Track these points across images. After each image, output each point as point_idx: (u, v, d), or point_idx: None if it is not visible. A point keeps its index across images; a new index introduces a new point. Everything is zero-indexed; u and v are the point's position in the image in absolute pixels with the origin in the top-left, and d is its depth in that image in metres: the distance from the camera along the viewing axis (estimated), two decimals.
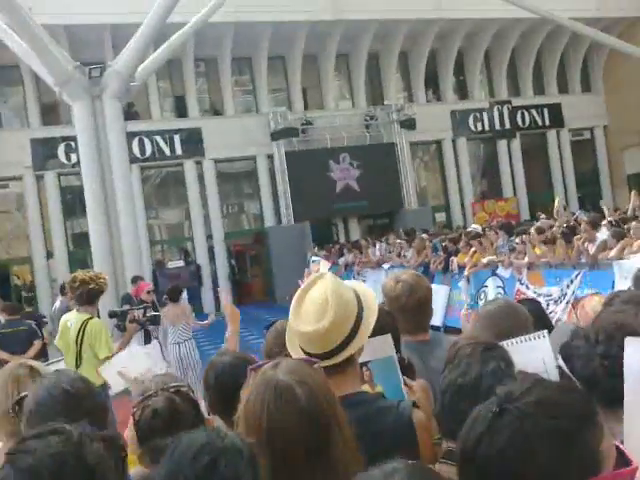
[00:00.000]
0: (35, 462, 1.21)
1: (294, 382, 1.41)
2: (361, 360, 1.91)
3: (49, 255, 18.02)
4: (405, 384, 1.97)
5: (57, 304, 8.99)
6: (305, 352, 1.79)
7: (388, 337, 1.98)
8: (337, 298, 1.74)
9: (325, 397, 1.44)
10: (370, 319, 1.81)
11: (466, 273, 10.12)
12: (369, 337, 1.84)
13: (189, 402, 1.85)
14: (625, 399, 1.31)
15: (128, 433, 1.88)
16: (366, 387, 1.93)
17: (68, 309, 5.78)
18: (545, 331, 1.82)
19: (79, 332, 4.80)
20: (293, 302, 1.82)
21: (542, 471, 1.02)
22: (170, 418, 1.76)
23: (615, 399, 1.34)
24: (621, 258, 7.14)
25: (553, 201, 13.82)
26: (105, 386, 3.91)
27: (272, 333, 2.27)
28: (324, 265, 3.26)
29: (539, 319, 2.24)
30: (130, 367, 3.05)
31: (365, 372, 1.97)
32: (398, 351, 2.10)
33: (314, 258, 3.20)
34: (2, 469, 1.24)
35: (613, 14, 22.20)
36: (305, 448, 1.37)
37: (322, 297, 1.75)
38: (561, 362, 1.55)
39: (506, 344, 1.81)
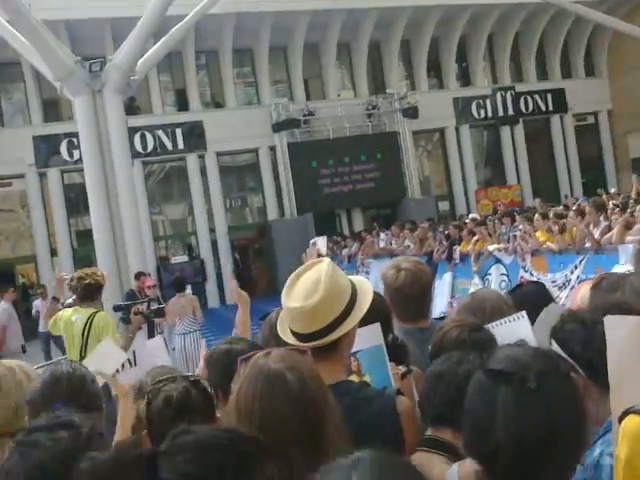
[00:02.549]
0: (45, 457, 1.21)
1: (285, 369, 1.43)
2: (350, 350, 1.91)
3: (53, 253, 18.07)
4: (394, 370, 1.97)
5: (69, 301, 9.04)
6: (293, 333, 1.79)
7: (377, 326, 1.98)
8: (330, 279, 1.76)
9: (316, 383, 1.45)
10: (363, 305, 1.81)
11: (475, 269, 10.04)
12: (362, 325, 1.85)
13: (204, 395, 1.81)
14: (609, 376, 1.32)
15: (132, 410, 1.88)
16: (353, 377, 1.93)
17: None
18: (523, 312, 1.84)
19: (85, 325, 4.89)
20: (288, 281, 1.84)
21: None
22: (182, 408, 1.73)
23: None
24: (623, 242, 7.11)
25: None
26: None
27: (267, 323, 2.28)
28: (322, 243, 3.23)
29: (537, 301, 2.24)
30: (104, 364, 3.04)
31: (353, 362, 1.97)
32: (390, 332, 2.10)
33: (312, 241, 3.18)
34: (10, 457, 1.24)
35: None
36: (297, 434, 1.37)
37: (315, 277, 1.77)
38: (556, 347, 1.54)
39: (489, 326, 1.83)
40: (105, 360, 3.05)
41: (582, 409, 1.25)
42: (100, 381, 2.20)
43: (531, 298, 2.34)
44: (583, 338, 1.49)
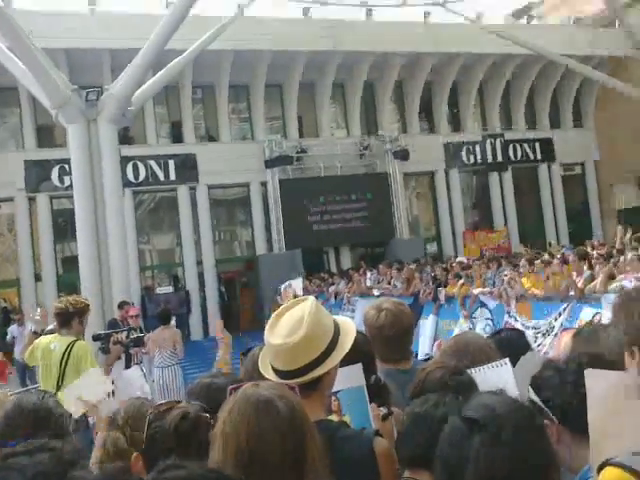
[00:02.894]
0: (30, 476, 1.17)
1: (275, 396, 1.46)
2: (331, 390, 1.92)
3: (37, 278, 17.89)
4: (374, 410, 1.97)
5: (51, 327, 8.96)
6: (275, 370, 1.80)
7: (359, 367, 1.98)
8: (313, 317, 1.78)
9: (303, 413, 1.48)
10: (345, 345, 1.83)
11: (465, 314, 10.06)
12: (340, 366, 1.85)
13: (206, 428, 1.79)
14: (589, 429, 1.33)
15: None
16: (333, 417, 1.93)
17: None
18: (507, 359, 1.85)
19: (64, 354, 4.81)
20: (271, 318, 1.86)
21: None
22: (196, 425, 1.72)
23: (587, 427, 1.36)
24: (607, 291, 7.19)
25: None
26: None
27: (251, 359, 2.27)
28: (297, 285, 3.24)
29: (515, 347, 2.26)
30: (90, 392, 3.01)
31: (334, 402, 1.97)
32: (373, 372, 2.11)
33: (285, 284, 3.16)
34: None
35: (605, 52, 22.70)
36: (283, 461, 1.39)
37: (299, 315, 1.79)
38: (532, 394, 1.56)
39: (471, 371, 1.84)
40: (90, 389, 3.02)
41: (553, 465, 1.26)
42: (79, 411, 2.17)
43: (511, 344, 2.36)
44: (556, 385, 1.52)
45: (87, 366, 4.77)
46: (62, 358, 4.81)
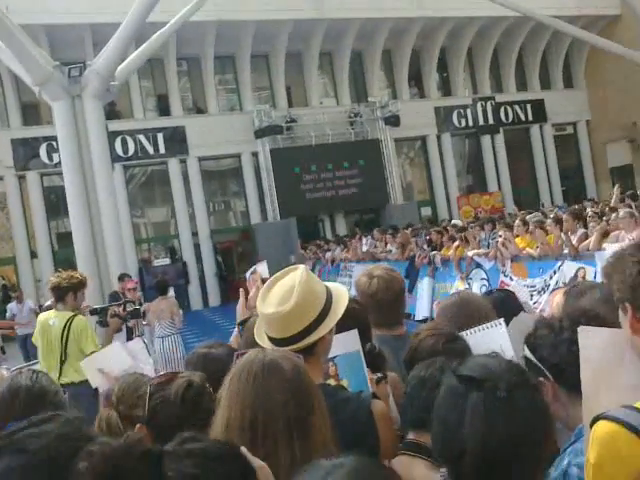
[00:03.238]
0: (47, 442, 1.16)
1: (280, 358, 1.49)
2: (328, 355, 1.93)
3: (33, 255, 17.92)
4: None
5: (48, 303, 9.00)
6: (270, 338, 1.82)
7: (355, 332, 2.00)
8: (304, 285, 1.80)
9: (308, 375, 1.52)
10: (338, 310, 1.85)
11: (461, 276, 10.11)
12: (336, 333, 1.87)
13: (209, 397, 1.78)
14: (582, 385, 1.35)
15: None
16: (331, 381, 1.95)
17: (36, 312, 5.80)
18: (501, 319, 1.86)
19: (64, 329, 4.86)
20: (263, 288, 1.88)
21: None
22: (194, 405, 1.72)
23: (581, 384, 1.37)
24: (600, 248, 7.23)
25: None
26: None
27: (249, 329, 2.28)
28: (263, 269, 3.22)
29: (506, 308, 2.28)
30: (112, 365, 3.03)
31: (331, 367, 1.99)
32: (369, 341, 2.12)
33: (250, 269, 3.14)
34: (8, 458, 1.15)
35: (593, 12, 22.42)
36: (287, 420, 1.41)
37: (290, 284, 1.81)
38: (527, 352, 1.58)
39: (465, 333, 1.84)
40: (112, 362, 3.05)
41: (548, 422, 1.28)
42: (99, 382, 2.16)
43: (504, 304, 2.37)
44: (551, 343, 1.53)
45: (87, 341, 4.84)
46: (62, 334, 4.87)
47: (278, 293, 1.81)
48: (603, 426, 1.19)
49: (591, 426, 1.22)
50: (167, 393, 1.73)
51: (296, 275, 1.84)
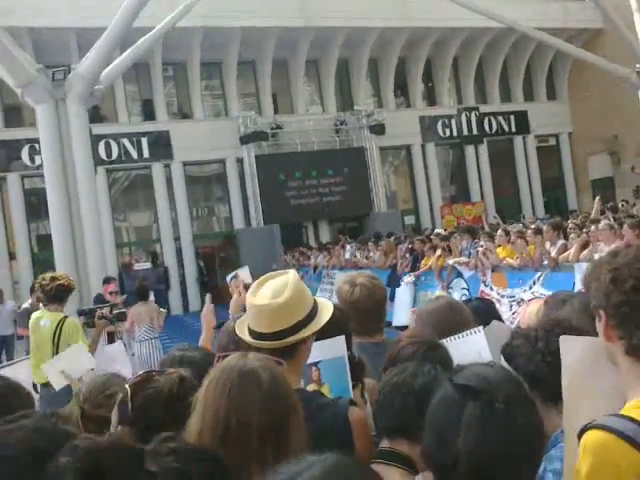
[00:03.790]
0: (24, 435, 1.17)
1: (259, 367, 1.48)
2: (312, 360, 1.94)
3: (12, 256, 17.73)
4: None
5: (26, 305, 8.89)
6: (251, 332, 1.81)
7: (341, 339, 2.01)
8: (296, 284, 1.84)
9: (286, 384, 1.51)
10: (324, 315, 1.88)
11: (443, 285, 10.13)
12: (322, 339, 1.88)
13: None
14: (563, 394, 1.36)
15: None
16: (313, 386, 1.95)
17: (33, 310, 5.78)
18: (480, 327, 1.87)
19: (56, 331, 4.85)
20: (254, 285, 1.89)
21: None
22: (182, 400, 1.64)
23: (557, 393, 1.39)
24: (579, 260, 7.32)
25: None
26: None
27: (225, 330, 2.27)
28: (245, 274, 3.22)
29: (485, 316, 2.29)
30: (74, 367, 3.01)
31: (314, 371, 1.99)
32: (349, 349, 2.12)
33: (231, 274, 3.14)
34: None
35: (576, 25, 22.76)
36: (262, 431, 1.40)
37: (283, 281, 1.85)
38: (504, 362, 1.59)
39: (445, 341, 1.86)
40: (73, 364, 3.02)
41: (541, 435, 1.29)
42: (61, 383, 2.15)
43: (483, 313, 2.39)
44: (526, 353, 1.54)
45: (78, 342, 4.82)
46: (54, 335, 4.86)
47: (272, 287, 1.83)
48: (593, 435, 1.18)
49: (579, 436, 1.21)
50: (156, 390, 1.69)
51: (289, 275, 1.89)
